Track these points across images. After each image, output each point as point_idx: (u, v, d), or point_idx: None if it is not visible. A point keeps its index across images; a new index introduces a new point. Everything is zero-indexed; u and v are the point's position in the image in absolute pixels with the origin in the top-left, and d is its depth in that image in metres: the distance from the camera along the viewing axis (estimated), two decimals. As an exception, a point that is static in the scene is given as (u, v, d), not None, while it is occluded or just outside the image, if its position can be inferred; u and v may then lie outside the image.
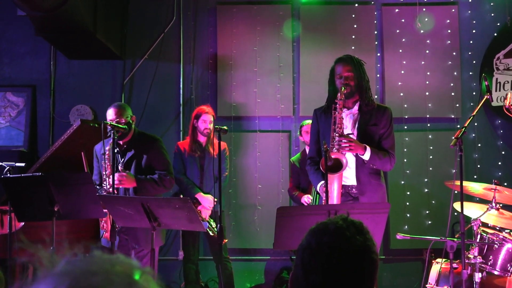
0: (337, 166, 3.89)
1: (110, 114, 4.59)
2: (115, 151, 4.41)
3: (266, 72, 6.69)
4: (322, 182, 4.05)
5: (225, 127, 4.84)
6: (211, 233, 5.12)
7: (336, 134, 3.96)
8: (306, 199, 5.39)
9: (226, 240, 5.32)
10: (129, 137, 4.67)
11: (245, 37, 6.74)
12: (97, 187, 4.64)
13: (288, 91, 6.68)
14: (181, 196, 5.26)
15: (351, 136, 4.00)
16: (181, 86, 6.74)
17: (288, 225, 3.34)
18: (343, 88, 4.02)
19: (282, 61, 6.70)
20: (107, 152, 4.48)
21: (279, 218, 3.36)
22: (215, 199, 5.22)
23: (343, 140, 3.93)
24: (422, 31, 6.66)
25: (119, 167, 4.56)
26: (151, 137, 4.77)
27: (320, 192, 4.14)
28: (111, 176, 4.31)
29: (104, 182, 4.52)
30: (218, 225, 4.16)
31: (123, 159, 4.63)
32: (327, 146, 3.87)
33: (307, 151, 5.60)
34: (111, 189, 4.23)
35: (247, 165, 6.59)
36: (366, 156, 4.00)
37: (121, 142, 4.65)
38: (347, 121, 4.13)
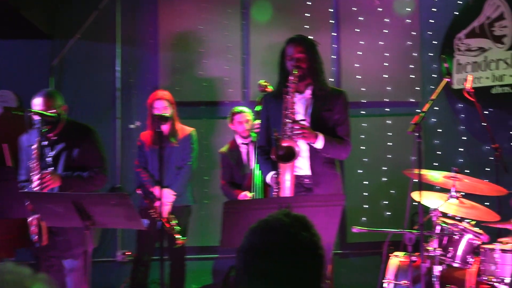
0: (290, 155, 3.95)
1: (37, 104, 4.36)
2: (43, 144, 4.28)
3: (213, 53, 6.70)
4: (273, 172, 4.12)
5: (166, 114, 4.84)
6: (177, 237, 5.06)
7: (288, 120, 4.00)
8: (244, 196, 5.32)
9: (181, 242, 5.21)
10: (60, 129, 4.46)
11: (190, 14, 6.73)
12: (25, 183, 4.43)
13: (236, 74, 6.72)
14: (140, 191, 5.26)
15: (303, 122, 4.06)
16: (118, 69, 6.69)
17: (236, 220, 3.38)
18: (294, 70, 4.06)
19: (230, 41, 6.73)
20: (34, 146, 4.29)
21: (226, 213, 3.38)
22: (174, 193, 5.21)
23: (295, 127, 3.97)
24: (380, 9, 6.79)
25: (47, 163, 4.37)
26: (84, 127, 4.56)
27: (271, 184, 4.20)
28: (37, 174, 4.21)
29: (33, 179, 4.39)
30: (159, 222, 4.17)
31: (51, 153, 4.43)
32: (278, 134, 3.93)
33: (238, 140, 5.67)
34: (37, 188, 4.14)
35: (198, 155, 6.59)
36: (319, 144, 4.06)
37: (50, 135, 4.45)
38: (299, 107, 4.18)
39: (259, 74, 6.56)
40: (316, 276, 1.56)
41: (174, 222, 5.09)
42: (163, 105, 5.28)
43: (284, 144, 3.95)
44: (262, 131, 4.39)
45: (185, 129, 5.46)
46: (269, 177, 4.22)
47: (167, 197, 5.16)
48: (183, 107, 6.58)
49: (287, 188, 3.99)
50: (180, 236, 5.10)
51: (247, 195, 5.32)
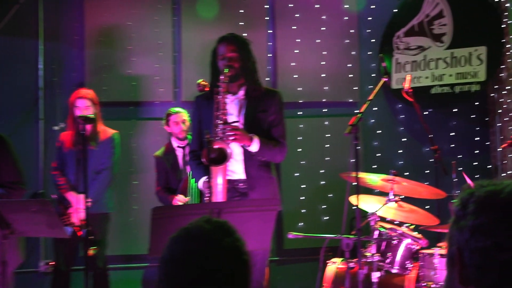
0: (221, 157, 3.93)
1: None
2: None
3: (142, 50, 6.61)
4: (205, 177, 4.08)
5: (91, 115, 4.75)
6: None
7: (220, 122, 3.99)
8: (180, 200, 5.30)
9: (93, 251, 5.06)
10: None
11: (118, 9, 6.62)
12: None
13: (168, 73, 6.65)
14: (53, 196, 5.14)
15: (236, 124, 4.05)
16: (41, 66, 6.52)
17: (165, 227, 3.35)
18: (226, 69, 4.06)
19: (161, 38, 6.66)
20: None
21: (155, 219, 3.36)
22: (89, 199, 5.09)
23: (227, 128, 3.96)
24: (317, 6, 6.85)
25: None
26: None
27: (203, 189, 4.17)
28: None
29: None
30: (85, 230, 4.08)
31: None
32: (210, 136, 3.91)
33: (174, 143, 5.63)
34: None
35: (121, 159, 6.49)
36: (254, 147, 4.06)
37: None
38: (233, 108, 4.17)
39: (191, 73, 6.51)
40: (242, 283, 1.56)
41: (87, 230, 4.99)
42: (85, 104, 5.19)
43: (216, 146, 3.92)
44: (194, 135, 4.37)
45: (107, 131, 5.36)
46: (201, 182, 4.19)
47: (80, 203, 5.03)
48: (111, 108, 6.47)
49: (219, 192, 3.97)
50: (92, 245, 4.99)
51: (181, 199, 5.29)
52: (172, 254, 1.55)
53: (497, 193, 1.35)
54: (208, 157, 3.89)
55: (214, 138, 3.95)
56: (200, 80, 4.92)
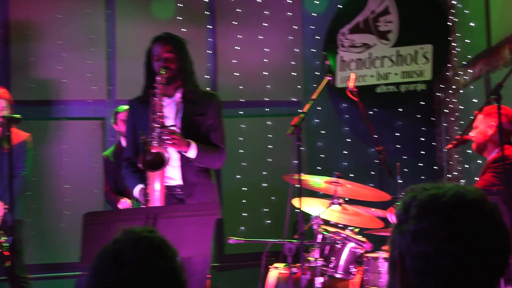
0: (158, 162, 3.90)
1: None
2: None
3: (74, 45, 6.51)
4: (141, 186, 4.05)
5: (17, 116, 4.63)
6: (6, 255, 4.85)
7: (156, 125, 3.96)
8: (123, 204, 5.32)
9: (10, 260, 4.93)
10: None
11: (46, 1, 6.51)
12: None
13: (101, 70, 6.58)
14: None
15: (174, 128, 4.02)
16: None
17: (98, 234, 3.30)
18: (162, 70, 4.03)
19: (93, 32, 6.57)
20: None
21: (87, 226, 3.31)
22: (5, 206, 4.97)
23: (164, 132, 3.93)
24: (259, 0, 6.87)
25: None
26: None
27: (138, 198, 4.14)
28: None
29: None
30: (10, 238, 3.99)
31: None
32: (146, 137, 3.87)
33: (123, 143, 5.58)
34: None
35: (50, 161, 6.39)
36: (191, 154, 4.04)
37: None
38: (169, 111, 4.13)
39: (126, 70, 6.46)
40: None
41: (3, 238, 4.87)
42: (1, 105, 5.05)
43: (153, 150, 3.89)
44: (129, 142, 4.32)
45: (19, 134, 5.22)
46: (136, 190, 4.14)
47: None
48: (38, 106, 6.36)
49: (156, 199, 3.94)
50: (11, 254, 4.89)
51: (125, 203, 5.28)
52: (100, 281, 1.49)
53: (439, 197, 1.37)
54: (144, 161, 3.85)
55: (150, 142, 3.91)
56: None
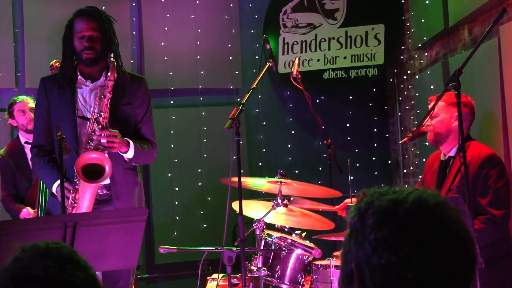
0: (96, 173, 3.86)
1: None
2: None
3: (-25, 26, 6.38)
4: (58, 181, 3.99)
5: None
6: None
7: (97, 125, 3.92)
8: (25, 215, 5.16)
9: None
10: None
11: None
12: None
13: (7, 54, 6.45)
14: None
15: (115, 131, 3.96)
16: None
17: (6, 246, 3.23)
18: (112, 55, 3.97)
19: (-3, 11, 6.44)
20: None
21: (-5, 236, 3.25)
22: None
23: (103, 134, 3.89)
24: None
25: None
26: None
27: (57, 194, 4.07)
28: None
29: None
30: None
31: None
32: (62, 133, 3.81)
33: (21, 139, 5.47)
34: None
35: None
36: (130, 154, 4.04)
37: None
38: (91, 98, 4.11)
39: (37, 53, 6.36)
40: None
41: None
42: None
43: (92, 155, 3.84)
44: (40, 126, 4.23)
45: None
46: (55, 186, 4.08)
47: None
48: None
49: (85, 208, 3.90)
50: None
51: (29, 212, 5.14)
52: None
53: (400, 203, 1.38)
54: (60, 158, 3.78)
55: (85, 145, 3.88)
56: (53, 62, 4.81)
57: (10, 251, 3.21)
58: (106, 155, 3.89)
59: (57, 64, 4.74)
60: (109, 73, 3.95)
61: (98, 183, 3.91)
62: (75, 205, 3.90)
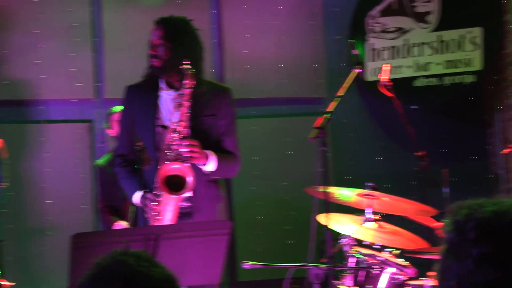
0: (177, 184, 3.93)
1: None
2: None
3: (53, 35, 6.54)
4: (142, 192, 4.08)
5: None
6: None
7: (176, 134, 3.99)
8: (119, 227, 5.23)
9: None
10: None
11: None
12: None
13: (86, 64, 6.59)
14: None
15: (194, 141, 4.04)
16: None
17: (88, 258, 3.31)
18: (190, 68, 4.06)
19: (76, 19, 6.59)
20: None
21: (76, 249, 3.34)
22: None
23: (183, 144, 3.96)
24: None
25: None
26: None
27: (141, 205, 4.15)
28: None
29: None
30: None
31: None
32: (143, 144, 3.90)
33: None
34: None
35: (29, 172, 6.41)
36: (210, 167, 4.10)
37: None
38: (168, 110, 4.21)
39: (117, 63, 6.47)
40: None
41: None
42: None
43: (172, 166, 3.92)
44: (124, 135, 4.35)
45: None
46: (137, 196, 4.17)
47: None
48: (12, 107, 6.38)
49: (168, 220, 3.97)
50: None
51: (122, 226, 5.24)
52: None
53: (503, 214, 1.37)
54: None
55: (164, 155, 3.96)
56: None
57: (90, 263, 3.30)
58: (189, 166, 3.95)
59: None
60: (185, 81, 4.02)
61: (181, 195, 3.96)
62: (159, 217, 3.96)
